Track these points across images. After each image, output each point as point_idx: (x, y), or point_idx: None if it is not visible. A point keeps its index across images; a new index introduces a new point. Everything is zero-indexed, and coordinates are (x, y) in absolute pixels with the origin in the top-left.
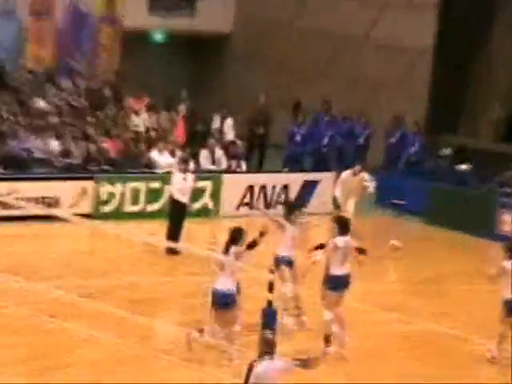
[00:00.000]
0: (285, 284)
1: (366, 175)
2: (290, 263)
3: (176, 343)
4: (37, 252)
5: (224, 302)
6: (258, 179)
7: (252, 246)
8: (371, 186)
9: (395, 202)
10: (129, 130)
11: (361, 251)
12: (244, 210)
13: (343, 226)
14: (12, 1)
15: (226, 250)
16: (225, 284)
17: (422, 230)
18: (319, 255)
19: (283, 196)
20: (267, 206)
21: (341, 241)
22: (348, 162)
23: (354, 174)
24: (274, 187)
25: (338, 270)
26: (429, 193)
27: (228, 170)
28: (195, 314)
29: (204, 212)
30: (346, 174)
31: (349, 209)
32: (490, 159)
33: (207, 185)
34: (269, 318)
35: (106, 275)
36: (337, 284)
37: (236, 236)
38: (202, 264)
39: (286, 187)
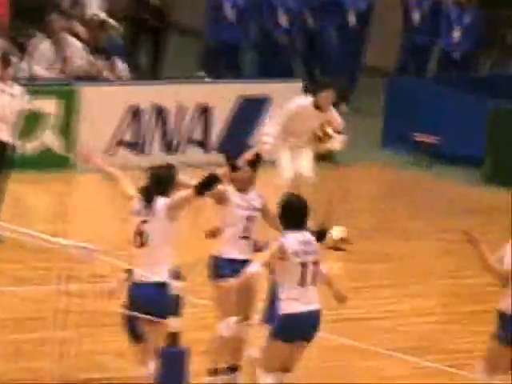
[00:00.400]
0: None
1: (336, 116)
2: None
3: None
4: None
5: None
6: (147, 94)
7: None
8: (338, 140)
9: (420, 139)
10: None
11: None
12: (122, 153)
13: (293, 214)
14: None
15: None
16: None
17: (476, 196)
18: (255, 267)
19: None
20: (167, 146)
21: (293, 240)
22: (326, 64)
23: (318, 107)
24: (182, 109)
25: (296, 303)
26: (488, 120)
27: (92, 77)
28: None
29: (48, 159)
30: (300, 102)
31: (304, 172)
32: None
33: (53, 106)
34: None
35: None
36: (294, 330)
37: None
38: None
39: (205, 110)
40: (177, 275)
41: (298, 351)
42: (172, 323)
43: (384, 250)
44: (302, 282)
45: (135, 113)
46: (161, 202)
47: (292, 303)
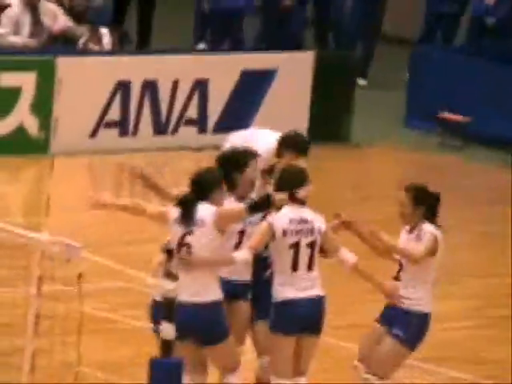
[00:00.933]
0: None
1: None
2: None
3: None
4: None
5: None
6: (136, 68)
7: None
8: None
9: (448, 116)
10: None
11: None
12: (107, 134)
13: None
14: None
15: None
16: None
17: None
18: (241, 254)
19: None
20: (159, 127)
21: (284, 218)
22: (339, 32)
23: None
24: (176, 85)
25: (289, 289)
26: None
27: (72, 47)
28: None
29: (22, 142)
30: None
31: None
32: None
33: (26, 81)
34: None
35: None
36: (289, 318)
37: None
38: None
39: (203, 86)
40: (169, 275)
41: (304, 346)
42: (165, 330)
43: None
44: (295, 266)
45: (123, 89)
46: (207, 211)
47: (284, 289)
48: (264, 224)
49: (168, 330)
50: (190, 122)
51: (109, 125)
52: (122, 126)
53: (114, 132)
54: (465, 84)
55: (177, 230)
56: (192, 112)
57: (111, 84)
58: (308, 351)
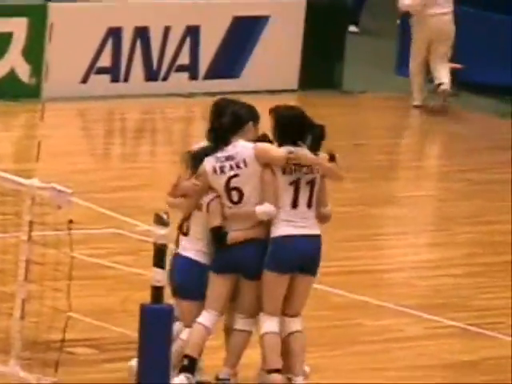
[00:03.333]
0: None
1: None
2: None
3: None
4: None
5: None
6: (128, 14)
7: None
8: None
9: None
10: None
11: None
12: (99, 81)
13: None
14: None
15: None
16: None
17: (507, 129)
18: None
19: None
20: (150, 73)
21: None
22: None
23: None
24: (168, 31)
25: (283, 226)
26: None
27: None
28: None
29: (12, 87)
30: None
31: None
32: None
33: (18, 26)
34: None
35: None
36: (285, 256)
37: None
38: None
39: (194, 32)
40: (161, 221)
41: (299, 286)
42: (156, 276)
43: (397, 193)
44: (295, 203)
45: (115, 35)
46: (245, 149)
47: (283, 226)
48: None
49: (159, 276)
50: (181, 69)
51: (100, 71)
52: (113, 72)
53: (106, 78)
54: (458, 31)
55: (218, 178)
56: (183, 58)
57: (103, 30)
58: (303, 291)
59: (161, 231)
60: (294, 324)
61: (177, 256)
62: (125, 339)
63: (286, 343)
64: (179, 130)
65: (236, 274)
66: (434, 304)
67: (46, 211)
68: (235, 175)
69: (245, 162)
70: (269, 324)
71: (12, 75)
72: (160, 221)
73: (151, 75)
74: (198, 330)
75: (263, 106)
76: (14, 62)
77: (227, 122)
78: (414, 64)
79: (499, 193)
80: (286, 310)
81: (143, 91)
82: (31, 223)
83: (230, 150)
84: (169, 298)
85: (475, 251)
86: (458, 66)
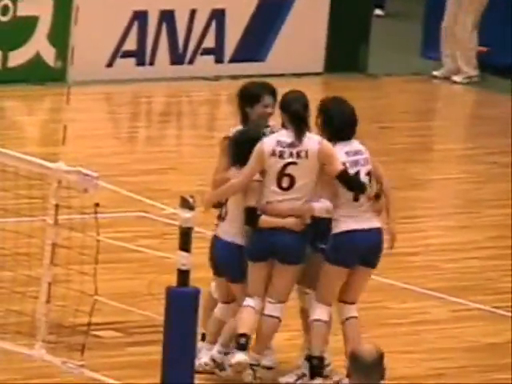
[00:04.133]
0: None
1: None
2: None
3: None
4: None
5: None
6: None
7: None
8: None
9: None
10: None
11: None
12: (124, 64)
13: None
14: None
15: None
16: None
17: None
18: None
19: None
20: (176, 56)
21: (340, 152)
22: None
23: None
24: (194, 15)
25: (345, 220)
26: None
27: None
28: None
29: (38, 71)
30: None
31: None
32: None
33: (44, 9)
34: None
35: None
36: (348, 249)
37: None
38: None
39: (220, 15)
40: (187, 204)
41: (358, 278)
42: (181, 259)
43: (423, 176)
44: (356, 197)
45: (140, 19)
46: (312, 142)
47: (344, 221)
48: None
49: (184, 259)
50: (207, 52)
51: (126, 54)
52: (138, 55)
53: (131, 61)
54: (484, 13)
55: (274, 162)
56: (209, 42)
57: (128, 13)
58: (362, 282)
59: (186, 214)
60: (350, 311)
61: (216, 238)
62: (151, 323)
63: (342, 329)
64: (205, 113)
65: (271, 258)
66: (459, 286)
67: (72, 195)
68: (293, 163)
69: (307, 153)
70: (320, 312)
71: (38, 59)
72: (186, 204)
73: (177, 59)
74: (247, 311)
75: (288, 89)
76: (40, 45)
77: (301, 109)
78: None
79: None
80: (344, 297)
81: (169, 74)
82: (57, 207)
83: (292, 137)
84: (194, 282)
85: (501, 234)
86: (483, 48)
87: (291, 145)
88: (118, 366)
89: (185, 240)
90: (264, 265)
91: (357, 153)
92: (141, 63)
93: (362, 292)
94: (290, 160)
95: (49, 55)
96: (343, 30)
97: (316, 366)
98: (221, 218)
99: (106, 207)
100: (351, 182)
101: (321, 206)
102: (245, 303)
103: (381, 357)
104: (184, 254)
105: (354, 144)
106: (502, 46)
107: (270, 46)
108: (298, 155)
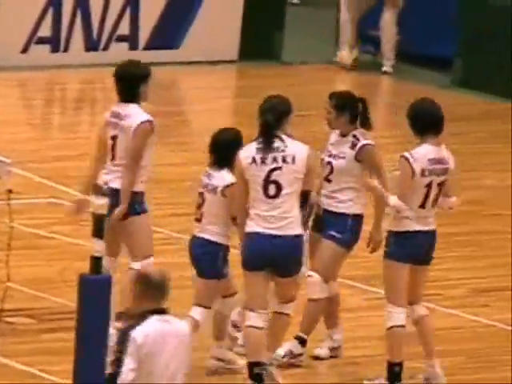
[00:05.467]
0: None
1: None
2: None
3: None
4: None
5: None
6: None
7: None
8: None
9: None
10: None
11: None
12: (39, 50)
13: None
14: None
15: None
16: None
17: (446, 101)
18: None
19: None
20: (89, 43)
21: (423, 157)
22: None
23: None
24: (106, 0)
25: (408, 222)
26: (458, 14)
27: None
28: None
29: None
30: None
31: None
32: None
33: None
34: None
35: None
36: (405, 247)
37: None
38: None
39: (134, 1)
40: (99, 191)
41: (418, 276)
42: (95, 246)
43: None
44: (424, 204)
45: (55, 5)
46: (299, 148)
47: (408, 222)
48: (405, 164)
49: (98, 246)
50: (121, 39)
51: (40, 41)
52: (53, 42)
53: (46, 48)
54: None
55: (257, 169)
56: (123, 29)
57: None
58: (421, 280)
59: (100, 201)
60: (419, 310)
61: (193, 239)
62: (64, 309)
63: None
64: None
65: (268, 268)
66: (375, 276)
67: None
68: (278, 168)
69: (294, 158)
70: (396, 317)
71: None
72: (99, 191)
73: (91, 45)
74: (254, 335)
75: (203, 77)
76: None
77: (271, 118)
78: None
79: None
80: (410, 299)
81: (83, 61)
82: None
83: (276, 142)
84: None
85: None
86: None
87: (272, 150)
88: (30, 353)
89: (98, 227)
90: (259, 274)
91: (439, 161)
92: (55, 50)
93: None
94: (275, 165)
95: None
96: (258, 18)
97: (397, 372)
98: (197, 219)
99: (20, 193)
100: (307, 206)
101: (395, 203)
102: (248, 322)
103: (166, 279)
104: (97, 240)
105: (441, 151)
106: (417, 35)
107: (184, 34)
108: (284, 160)
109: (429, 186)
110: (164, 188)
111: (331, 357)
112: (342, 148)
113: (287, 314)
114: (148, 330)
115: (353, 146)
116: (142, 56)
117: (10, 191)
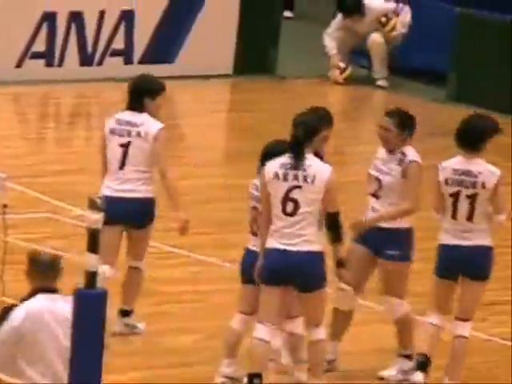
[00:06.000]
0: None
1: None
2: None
3: None
4: None
5: None
6: None
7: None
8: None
9: None
10: None
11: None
12: (33, 65)
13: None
14: None
15: None
16: None
17: (440, 115)
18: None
19: None
20: (85, 58)
21: (449, 167)
22: None
23: None
24: (101, 15)
25: (444, 235)
26: (454, 28)
27: None
28: None
29: None
30: None
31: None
32: None
33: None
34: None
35: None
36: (443, 261)
37: None
38: None
39: (130, 16)
40: (95, 205)
41: (463, 290)
42: (89, 261)
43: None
44: (454, 215)
45: (49, 20)
46: (322, 168)
47: (444, 235)
48: (436, 172)
49: (92, 261)
50: (116, 53)
51: (35, 55)
52: (48, 56)
53: (40, 63)
54: None
55: (278, 185)
56: (118, 43)
57: (38, 14)
58: (468, 295)
59: (95, 216)
60: (459, 327)
61: (248, 251)
62: None
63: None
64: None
65: (286, 284)
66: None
67: None
68: (298, 186)
69: (314, 178)
70: (432, 319)
71: None
72: (94, 205)
73: (86, 60)
74: (261, 348)
75: (198, 91)
76: None
77: (302, 134)
78: None
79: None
80: (456, 312)
81: (78, 76)
82: None
83: (301, 159)
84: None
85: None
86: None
87: (297, 167)
88: None
89: (93, 241)
90: (276, 288)
91: (464, 173)
92: (50, 64)
93: (475, 308)
94: (295, 183)
95: None
96: (252, 32)
97: (423, 362)
98: (253, 233)
99: (14, 208)
100: (335, 227)
101: (503, 219)
102: (255, 334)
103: (56, 258)
104: (92, 255)
105: (472, 164)
106: (408, 48)
107: (179, 48)
108: (305, 179)
109: (455, 196)
110: (158, 202)
111: (327, 370)
112: (390, 164)
113: (322, 340)
114: (31, 306)
115: (400, 162)
116: (137, 70)
117: (5, 206)
